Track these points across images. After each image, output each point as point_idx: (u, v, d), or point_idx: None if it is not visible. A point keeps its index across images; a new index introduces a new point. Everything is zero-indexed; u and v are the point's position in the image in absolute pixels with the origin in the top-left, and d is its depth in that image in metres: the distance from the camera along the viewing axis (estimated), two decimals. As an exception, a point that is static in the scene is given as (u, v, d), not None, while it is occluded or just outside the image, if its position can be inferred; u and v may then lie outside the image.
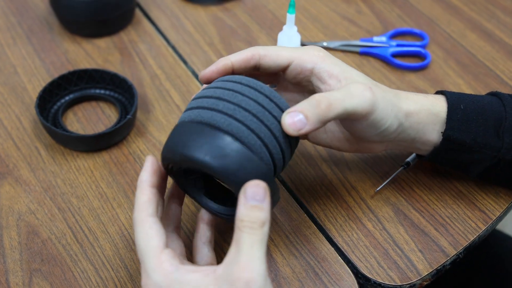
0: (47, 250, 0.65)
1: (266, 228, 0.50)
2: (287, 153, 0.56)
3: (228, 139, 0.52)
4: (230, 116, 0.53)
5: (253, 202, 0.51)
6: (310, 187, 0.71)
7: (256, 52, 0.61)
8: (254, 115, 0.53)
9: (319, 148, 0.75)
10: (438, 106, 0.65)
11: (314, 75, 0.61)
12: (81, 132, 0.77)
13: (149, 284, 0.51)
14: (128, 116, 0.74)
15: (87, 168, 0.73)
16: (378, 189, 0.70)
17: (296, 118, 0.54)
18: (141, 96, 0.81)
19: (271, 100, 0.55)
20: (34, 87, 0.81)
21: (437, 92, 0.68)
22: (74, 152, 0.74)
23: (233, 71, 0.60)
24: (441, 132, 0.64)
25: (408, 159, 0.72)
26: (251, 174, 0.52)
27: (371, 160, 0.74)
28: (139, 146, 0.75)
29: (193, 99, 0.57)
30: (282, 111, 0.55)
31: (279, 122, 0.54)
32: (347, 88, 0.58)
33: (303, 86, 0.64)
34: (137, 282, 0.62)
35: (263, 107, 0.54)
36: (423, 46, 0.88)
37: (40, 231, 0.66)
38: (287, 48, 0.62)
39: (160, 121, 0.78)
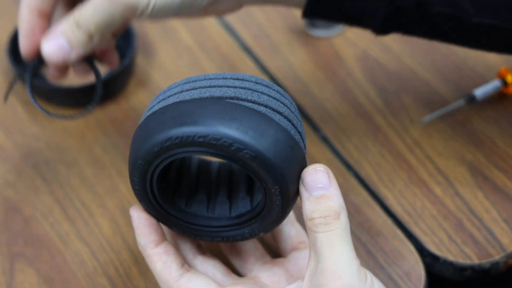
0: (31, 229, 0.67)
1: (343, 217, 0.51)
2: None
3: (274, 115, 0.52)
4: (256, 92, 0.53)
5: (318, 192, 0.52)
6: (359, 143, 0.73)
7: None
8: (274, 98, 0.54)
9: (372, 94, 0.76)
10: None
11: None
12: (67, 83, 0.78)
13: None
14: (125, 62, 0.76)
15: (77, 128, 0.75)
16: (424, 119, 0.73)
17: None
18: (141, 36, 0.82)
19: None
20: (5, 28, 0.83)
21: None
22: (60, 109, 0.76)
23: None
24: None
25: (475, 92, 0.73)
26: (291, 155, 0.52)
27: (440, 105, 0.75)
28: (141, 99, 0.77)
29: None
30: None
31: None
32: None
33: None
34: (142, 265, 0.65)
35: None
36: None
37: (22, 207, 0.69)
38: None
39: (166, 67, 0.80)
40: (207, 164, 0.61)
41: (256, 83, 0.54)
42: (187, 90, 0.53)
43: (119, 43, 0.81)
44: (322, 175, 0.52)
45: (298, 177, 0.52)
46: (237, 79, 0.53)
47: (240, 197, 0.58)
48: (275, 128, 0.51)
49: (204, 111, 0.50)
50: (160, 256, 0.55)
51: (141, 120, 0.54)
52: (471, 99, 0.73)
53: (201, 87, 0.53)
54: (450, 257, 0.65)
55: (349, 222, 0.52)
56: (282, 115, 0.52)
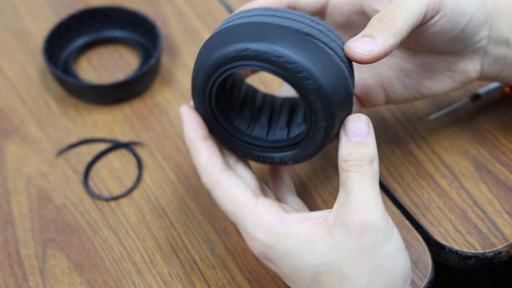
0: (62, 217, 0.70)
1: (375, 165, 0.55)
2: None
3: (329, 51, 0.55)
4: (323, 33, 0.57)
5: (357, 138, 0.55)
6: (371, 140, 0.75)
7: None
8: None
9: (382, 93, 0.78)
10: None
11: None
12: (96, 81, 0.81)
13: (255, 245, 0.56)
14: (151, 62, 0.78)
15: (105, 123, 0.77)
16: (432, 117, 0.74)
17: (360, 41, 0.56)
18: (166, 37, 0.85)
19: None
20: (40, 30, 0.86)
21: None
22: (90, 105, 0.79)
23: None
24: None
25: (480, 91, 0.75)
26: (345, 99, 0.55)
27: (446, 103, 0.76)
28: (165, 96, 0.80)
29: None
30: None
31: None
32: None
33: (351, 26, 0.65)
34: (166, 252, 0.67)
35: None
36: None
37: (54, 196, 0.72)
38: None
39: (188, 67, 0.82)
40: (255, 91, 0.64)
41: (329, 30, 0.57)
42: (268, 15, 0.56)
43: (146, 44, 0.84)
44: (363, 124, 0.55)
45: (342, 122, 0.56)
46: (313, 21, 0.57)
47: (278, 126, 0.60)
48: (340, 72, 0.54)
49: (283, 36, 0.53)
50: (206, 149, 0.58)
51: (217, 29, 0.57)
52: (476, 98, 0.75)
53: (281, 17, 0.56)
54: (455, 247, 0.67)
55: (378, 172, 0.55)
56: (345, 65, 0.56)
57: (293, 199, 0.64)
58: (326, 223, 0.54)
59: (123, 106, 0.79)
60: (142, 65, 0.81)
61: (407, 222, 0.68)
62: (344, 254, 0.53)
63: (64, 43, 0.83)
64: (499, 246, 0.66)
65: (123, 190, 0.72)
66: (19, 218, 0.70)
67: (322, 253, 0.54)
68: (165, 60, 0.83)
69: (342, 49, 0.56)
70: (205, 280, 0.65)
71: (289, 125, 0.61)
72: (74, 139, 0.76)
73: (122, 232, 0.69)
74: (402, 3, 0.58)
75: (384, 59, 0.66)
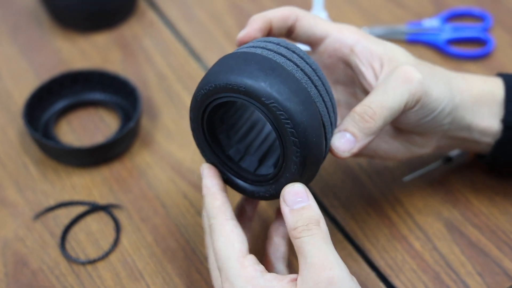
0: (37, 282, 0.68)
1: (323, 226, 0.55)
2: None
3: (308, 95, 0.56)
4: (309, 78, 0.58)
5: (299, 205, 0.56)
6: (346, 201, 0.74)
7: (294, 12, 0.64)
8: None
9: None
10: (491, 84, 0.67)
11: (355, 54, 0.64)
12: (76, 143, 0.81)
13: None
14: (130, 124, 0.78)
15: (84, 186, 0.77)
16: (406, 178, 0.74)
17: (343, 139, 0.59)
18: (146, 100, 0.85)
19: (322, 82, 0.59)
20: (21, 93, 0.85)
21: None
22: (69, 168, 0.78)
23: (270, 31, 0.64)
24: (501, 120, 0.66)
25: (451, 154, 0.75)
26: (315, 142, 0.56)
27: (420, 166, 0.76)
28: (144, 159, 0.79)
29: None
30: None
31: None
32: (386, 82, 0.61)
33: (335, 70, 0.67)
34: (142, 316, 0.66)
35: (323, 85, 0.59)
36: (485, 30, 0.90)
37: (30, 260, 0.70)
38: (325, 20, 0.65)
39: (168, 129, 0.82)
40: (257, 120, 0.65)
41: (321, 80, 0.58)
42: (273, 51, 0.57)
43: (127, 107, 0.83)
44: (300, 190, 0.56)
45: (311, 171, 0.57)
46: (309, 64, 0.58)
47: (250, 158, 0.62)
48: (323, 138, 0.57)
49: (281, 81, 0.55)
50: (222, 196, 0.60)
51: (245, 50, 0.58)
52: (448, 160, 0.75)
53: (286, 58, 0.57)
54: (429, 309, 0.66)
55: (328, 232, 0.55)
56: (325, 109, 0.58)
57: (282, 269, 0.63)
58: (297, 287, 0.54)
59: (102, 168, 0.78)
60: (121, 128, 0.81)
61: (381, 284, 0.68)
62: None
63: (44, 106, 0.83)
64: (472, 308, 0.66)
65: (100, 253, 0.71)
66: (-6, 283, 0.68)
67: None
68: (145, 122, 0.82)
69: (327, 91, 0.58)
70: None
71: (262, 161, 0.62)
72: (52, 202, 0.75)
73: (98, 296, 0.68)
74: (383, 102, 0.60)
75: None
